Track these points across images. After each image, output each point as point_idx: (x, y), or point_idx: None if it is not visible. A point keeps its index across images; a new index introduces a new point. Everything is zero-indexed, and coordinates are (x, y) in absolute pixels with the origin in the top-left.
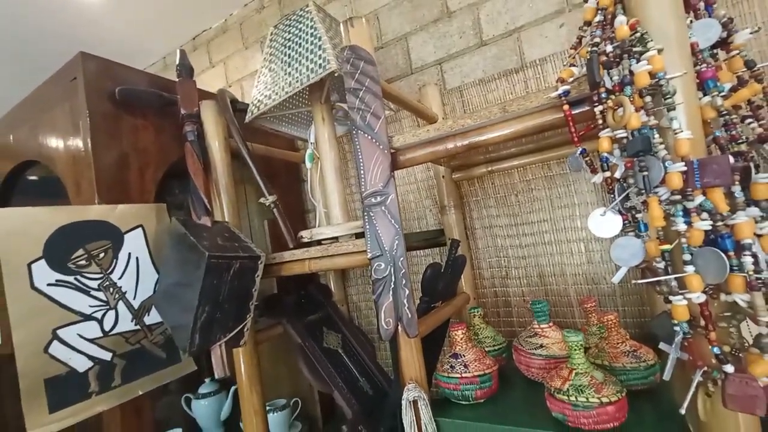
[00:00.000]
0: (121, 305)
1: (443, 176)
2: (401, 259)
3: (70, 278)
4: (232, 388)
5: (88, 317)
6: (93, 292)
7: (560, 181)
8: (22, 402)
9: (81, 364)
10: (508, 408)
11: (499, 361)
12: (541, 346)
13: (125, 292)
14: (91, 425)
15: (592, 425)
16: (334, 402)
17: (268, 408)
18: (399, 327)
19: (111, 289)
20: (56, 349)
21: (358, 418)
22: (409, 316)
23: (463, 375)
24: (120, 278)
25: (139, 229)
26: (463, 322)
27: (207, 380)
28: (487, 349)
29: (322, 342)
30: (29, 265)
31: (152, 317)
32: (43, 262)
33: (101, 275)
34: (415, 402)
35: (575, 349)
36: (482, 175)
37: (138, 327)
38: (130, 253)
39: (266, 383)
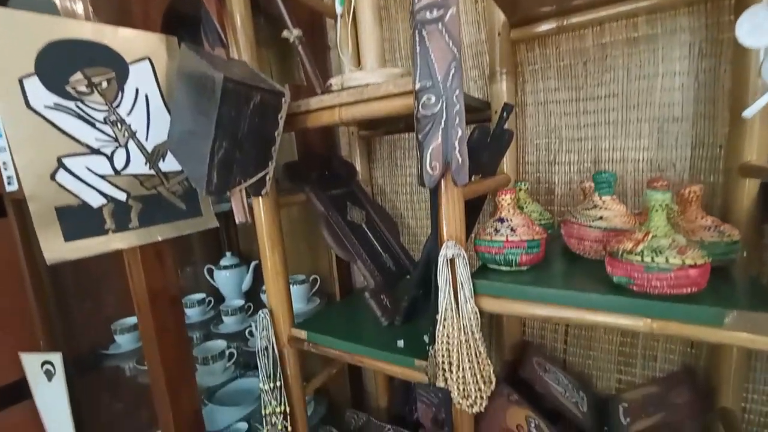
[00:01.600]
0: (132, 145)
1: (499, 33)
2: (456, 92)
3: (71, 104)
4: (253, 263)
5: (95, 151)
6: (99, 125)
7: (646, 45)
8: (35, 228)
9: (93, 199)
10: (555, 275)
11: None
12: (601, 218)
13: (135, 132)
14: (113, 267)
15: (665, 288)
16: (351, 280)
17: None
18: (446, 174)
19: (119, 125)
20: (64, 178)
21: (380, 287)
22: (459, 161)
23: (510, 239)
24: (129, 115)
25: (146, 61)
26: (511, 188)
27: (228, 253)
28: None
29: (346, 215)
30: (21, 81)
31: (168, 164)
32: (36, 79)
33: (106, 108)
34: (452, 261)
35: (658, 210)
36: (547, 35)
37: (153, 172)
38: (137, 89)
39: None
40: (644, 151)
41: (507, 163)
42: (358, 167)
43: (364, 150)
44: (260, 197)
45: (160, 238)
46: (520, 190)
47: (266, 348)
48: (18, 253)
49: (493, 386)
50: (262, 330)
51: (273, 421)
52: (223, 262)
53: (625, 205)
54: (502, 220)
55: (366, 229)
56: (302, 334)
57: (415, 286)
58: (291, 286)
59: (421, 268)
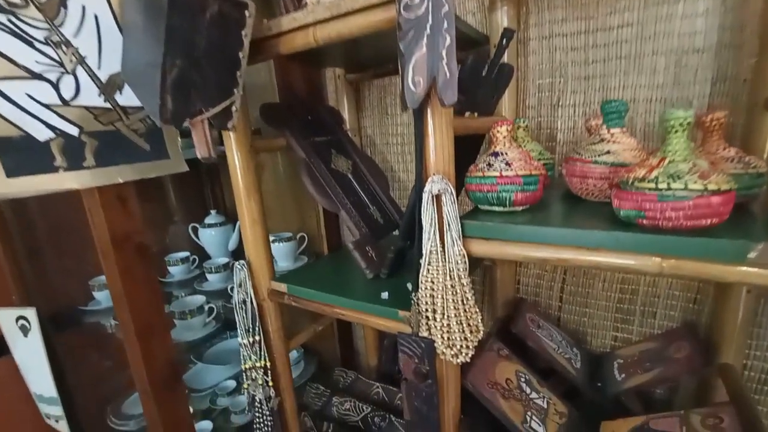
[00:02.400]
0: (81, 72)
1: None
2: None
3: (2, 17)
4: (239, 222)
5: (37, 76)
6: (39, 45)
7: None
8: None
9: (38, 132)
10: (553, 216)
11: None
12: (608, 152)
13: (85, 57)
14: (74, 214)
15: (681, 220)
16: (341, 239)
17: (273, 238)
18: (432, 93)
19: (64, 48)
20: (1, 105)
21: (366, 239)
22: (447, 75)
23: (504, 173)
24: (75, 36)
25: None
26: (509, 119)
27: (213, 211)
28: None
29: (330, 163)
30: None
31: (127, 98)
32: None
33: (47, 26)
34: (438, 197)
35: (678, 130)
36: None
37: (109, 105)
38: (84, 6)
39: (272, 217)
40: (658, 89)
41: (506, 106)
42: (346, 116)
43: (352, 97)
44: (232, 137)
45: (121, 180)
46: (519, 126)
47: (244, 301)
48: None
49: (480, 335)
50: (239, 283)
51: (253, 376)
52: (208, 220)
53: None
54: (496, 154)
55: (352, 179)
56: (282, 287)
57: (402, 237)
58: (277, 243)
59: (408, 215)
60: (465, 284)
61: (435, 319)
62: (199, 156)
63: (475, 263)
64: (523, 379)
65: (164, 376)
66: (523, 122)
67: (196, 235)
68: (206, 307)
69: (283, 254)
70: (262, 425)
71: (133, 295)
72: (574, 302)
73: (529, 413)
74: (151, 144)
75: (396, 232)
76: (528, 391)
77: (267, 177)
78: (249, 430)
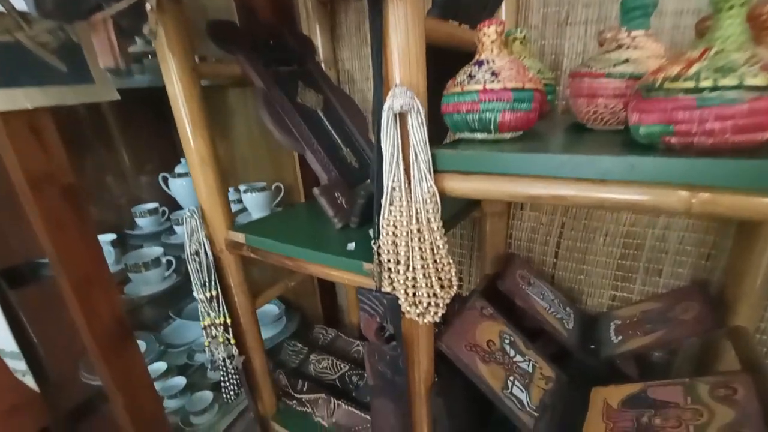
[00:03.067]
0: None
1: None
2: None
3: None
4: None
5: None
6: None
7: None
8: None
9: None
10: (550, 146)
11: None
12: (626, 61)
13: None
14: None
15: (728, 134)
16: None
17: (245, 188)
18: None
19: None
20: None
21: (335, 184)
22: None
23: (488, 86)
24: None
25: None
26: (499, 20)
27: (183, 160)
28: None
29: (296, 96)
30: None
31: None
32: None
33: None
34: (402, 117)
35: (731, 10)
36: None
37: (1, 8)
38: None
39: (244, 167)
40: None
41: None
42: (319, 45)
43: (326, 23)
44: (169, 59)
45: (29, 106)
46: (515, 38)
47: (197, 252)
48: None
49: (453, 291)
50: (191, 232)
51: (213, 334)
52: (179, 170)
53: None
54: (480, 63)
55: (322, 116)
56: (240, 237)
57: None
58: (250, 193)
59: (376, 164)
60: (435, 229)
61: (398, 272)
62: (101, 65)
63: (462, 214)
64: (507, 341)
65: (111, 333)
66: (521, 32)
67: (167, 186)
68: (164, 260)
69: (257, 205)
70: (228, 384)
71: (64, 246)
72: (571, 258)
73: (511, 378)
74: (69, 64)
75: None
76: (512, 353)
77: (238, 122)
78: None
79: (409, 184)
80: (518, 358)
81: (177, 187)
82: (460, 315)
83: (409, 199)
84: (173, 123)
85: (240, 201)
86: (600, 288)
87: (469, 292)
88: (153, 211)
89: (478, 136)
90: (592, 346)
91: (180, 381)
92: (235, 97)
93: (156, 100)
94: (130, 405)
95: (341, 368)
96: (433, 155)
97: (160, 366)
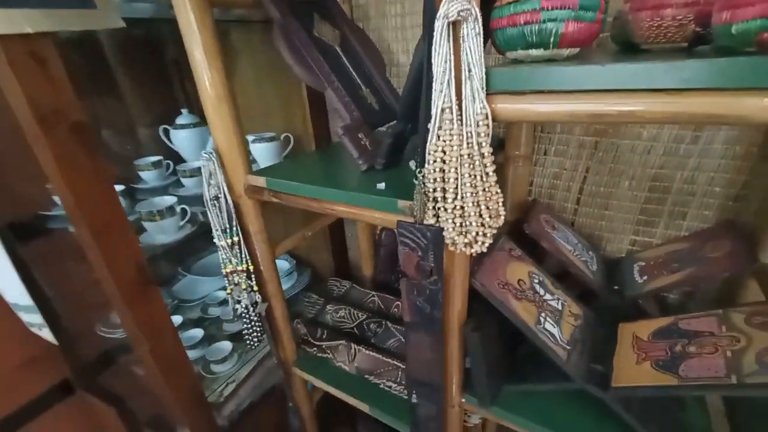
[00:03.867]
0: None
1: None
2: None
3: None
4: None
5: None
6: None
7: None
8: None
9: None
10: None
11: None
12: None
13: None
14: None
15: None
16: (330, 139)
17: (253, 138)
18: None
19: None
20: None
21: (358, 124)
22: None
23: None
24: None
25: None
26: None
27: (184, 110)
28: None
29: (312, 30)
30: None
31: None
32: None
33: None
34: (456, 26)
35: None
36: None
37: None
38: None
39: (252, 117)
40: None
41: None
42: None
43: None
44: None
45: (30, 30)
46: None
47: (216, 197)
48: None
49: (500, 221)
50: (209, 175)
51: (236, 281)
52: (180, 121)
53: None
54: None
55: (340, 53)
56: (260, 181)
57: (402, 117)
58: (258, 143)
59: (410, 87)
60: (486, 155)
61: (446, 200)
62: None
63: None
64: (536, 281)
65: (133, 280)
66: None
67: (168, 138)
68: (178, 209)
69: (266, 156)
70: (251, 331)
71: (80, 189)
72: (594, 204)
73: (542, 314)
74: None
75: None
76: (542, 292)
77: (244, 67)
78: (241, 338)
79: (461, 105)
80: (548, 296)
81: (179, 140)
82: (490, 255)
83: (459, 122)
84: (173, 70)
85: (248, 153)
86: (620, 233)
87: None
88: (157, 164)
89: (533, 53)
90: (616, 287)
91: (198, 332)
92: (239, 39)
93: (154, 44)
94: (156, 351)
95: (359, 317)
96: (487, 74)
97: (177, 319)
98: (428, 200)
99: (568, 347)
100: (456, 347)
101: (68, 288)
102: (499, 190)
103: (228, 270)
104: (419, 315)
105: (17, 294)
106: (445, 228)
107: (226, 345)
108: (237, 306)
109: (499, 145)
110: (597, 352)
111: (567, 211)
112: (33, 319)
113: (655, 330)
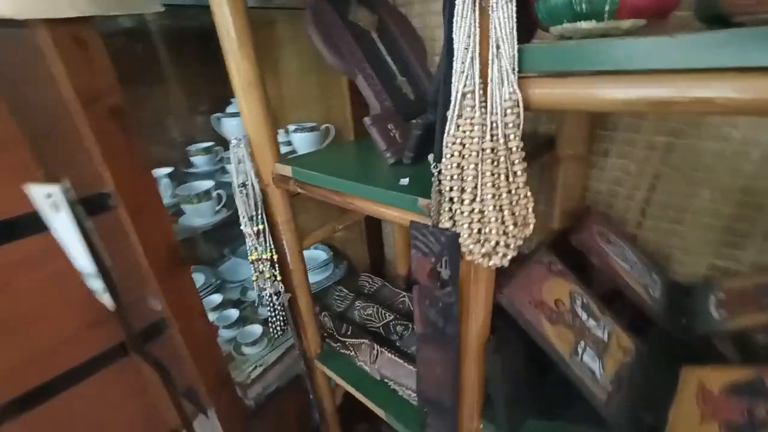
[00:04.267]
0: None
1: None
2: None
3: None
4: None
5: None
6: None
7: None
8: None
9: None
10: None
11: None
12: None
13: None
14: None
15: None
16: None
17: (293, 128)
18: None
19: None
20: None
21: (389, 114)
22: None
23: None
24: None
25: None
26: None
27: (233, 100)
28: None
29: (347, 14)
30: None
31: None
32: None
33: None
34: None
35: None
36: None
37: None
38: None
39: (293, 107)
40: None
41: None
42: None
43: None
44: None
45: (74, 14)
46: None
47: (244, 184)
48: None
49: (529, 231)
50: (238, 161)
51: (260, 269)
52: (230, 110)
53: None
54: None
55: (377, 39)
56: (287, 170)
57: (434, 104)
58: (299, 133)
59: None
60: (514, 150)
61: (462, 202)
62: None
63: (529, 157)
64: (579, 302)
65: (166, 261)
66: None
67: (219, 126)
68: (214, 193)
69: (306, 145)
70: (275, 320)
71: (116, 168)
72: (663, 217)
73: (582, 343)
74: None
75: None
76: (584, 317)
77: (288, 56)
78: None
79: (485, 87)
80: (591, 322)
81: (229, 127)
82: (525, 268)
83: (483, 110)
84: (221, 60)
85: (289, 143)
86: (696, 255)
87: (536, 244)
88: (208, 150)
89: (583, 26)
90: (684, 321)
91: (234, 313)
92: (283, 28)
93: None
94: (185, 330)
95: (386, 317)
96: (519, 52)
97: (216, 298)
98: (444, 200)
99: (610, 387)
100: (474, 368)
101: (120, 261)
102: (529, 194)
103: (253, 257)
104: (431, 328)
105: (84, 262)
106: (461, 234)
107: (257, 328)
108: (262, 294)
109: (548, 142)
110: (648, 398)
111: (629, 223)
112: (95, 285)
113: (732, 382)
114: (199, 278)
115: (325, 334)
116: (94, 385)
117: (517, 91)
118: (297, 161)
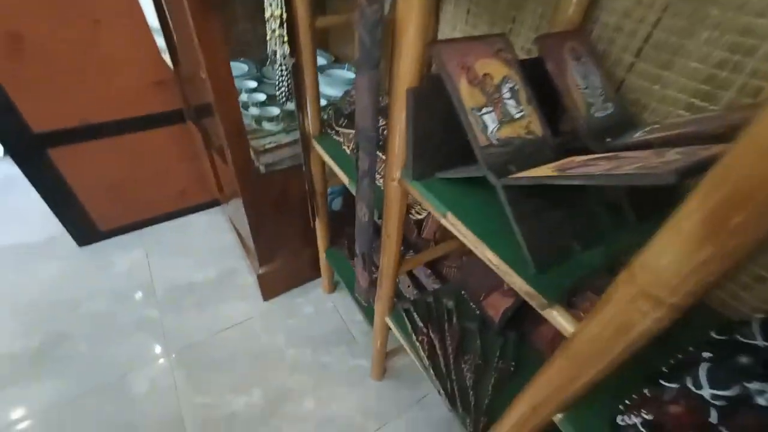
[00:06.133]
0: None
1: None
2: None
3: None
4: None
5: None
6: None
7: None
8: None
9: None
10: None
11: None
12: None
13: None
14: None
15: None
16: None
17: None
18: None
19: None
20: None
21: None
22: None
23: None
24: None
25: None
26: None
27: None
28: None
29: None
30: None
31: None
32: None
33: None
34: None
35: None
36: None
37: None
38: None
39: None
40: None
41: None
42: None
43: None
44: None
45: None
46: None
47: None
48: None
49: None
50: None
51: (273, 27)
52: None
53: None
54: None
55: None
56: None
57: None
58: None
59: None
60: None
61: None
62: None
63: None
64: (508, 86)
65: (235, 131)
66: None
67: None
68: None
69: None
70: (281, 85)
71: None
72: (655, 60)
73: (489, 107)
74: None
75: None
76: (507, 95)
77: None
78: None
79: None
80: (511, 102)
81: None
82: (471, 40)
83: None
84: None
85: None
86: (670, 104)
87: (494, 34)
88: None
89: None
90: (608, 139)
91: (262, 96)
92: None
93: None
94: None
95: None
96: None
97: (252, 83)
98: None
99: (495, 142)
100: (399, 112)
101: (182, 36)
102: None
103: (267, 15)
104: (362, 51)
105: (152, 17)
106: None
107: (276, 110)
108: (274, 56)
109: None
110: (525, 165)
111: (622, 64)
112: (161, 42)
113: (586, 160)
114: (243, 67)
115: (327, 125)
116: (160, 136)
117: None
118: None
